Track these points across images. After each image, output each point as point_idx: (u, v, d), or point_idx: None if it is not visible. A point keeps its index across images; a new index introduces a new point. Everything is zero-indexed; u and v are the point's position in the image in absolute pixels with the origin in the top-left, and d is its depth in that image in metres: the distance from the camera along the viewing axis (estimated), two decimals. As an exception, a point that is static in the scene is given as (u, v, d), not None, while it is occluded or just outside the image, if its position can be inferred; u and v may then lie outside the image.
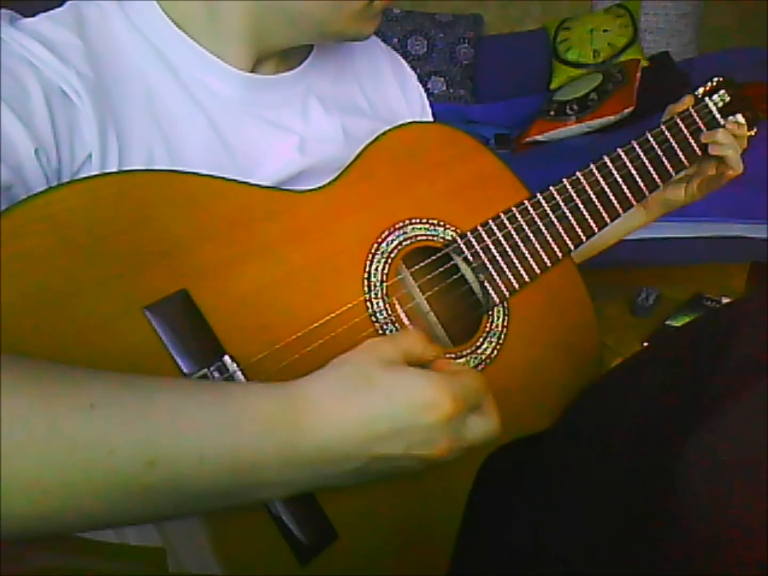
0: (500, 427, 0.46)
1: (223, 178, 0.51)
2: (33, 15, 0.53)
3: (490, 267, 0.61)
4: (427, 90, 0.78)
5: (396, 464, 0.42)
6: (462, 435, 0.43)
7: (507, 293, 0.61)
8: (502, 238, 0.62)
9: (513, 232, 0.62)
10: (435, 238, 0.60)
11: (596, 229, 0.67)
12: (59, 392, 0.34)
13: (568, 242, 0.65)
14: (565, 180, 0.66)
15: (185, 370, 0.44)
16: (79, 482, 0.33)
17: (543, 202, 0.64)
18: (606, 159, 0.68)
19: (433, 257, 0.59)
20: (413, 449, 0.41)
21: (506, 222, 0.62)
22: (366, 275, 0.55)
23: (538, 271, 0.63)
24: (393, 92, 0.73)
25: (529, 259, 0.63)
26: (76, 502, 0.34)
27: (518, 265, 0.62)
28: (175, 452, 0.35)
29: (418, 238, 0.59)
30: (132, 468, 0.34)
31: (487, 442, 0.45)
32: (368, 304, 0.54)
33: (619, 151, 0.69)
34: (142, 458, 0.35)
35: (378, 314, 0.54)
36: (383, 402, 0.40)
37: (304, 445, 0.39)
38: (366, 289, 0.54)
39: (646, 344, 1.38)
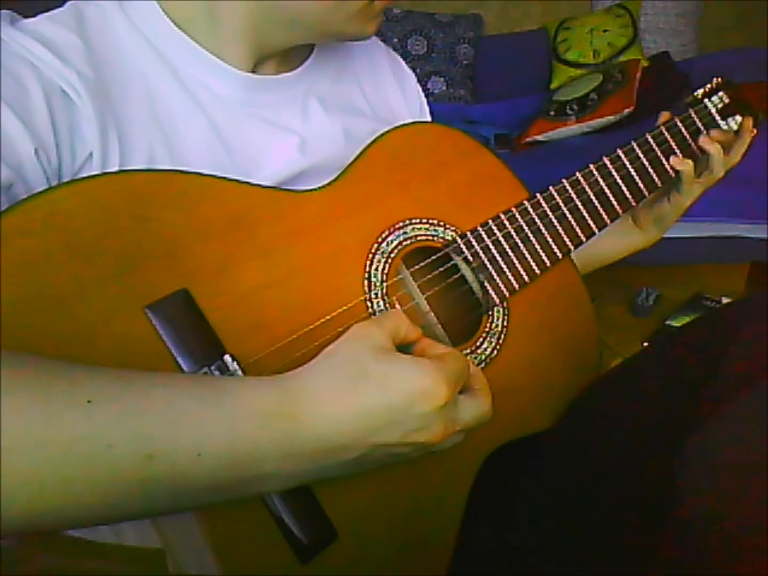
0: (492, 409, 0.47)
1: (223, 178, 0.51)
2: (33, 15, 0.54)
3: (489, 267, 0.61)
4: (427, 90, 0.78)
5: (393, 452, 0.43)
6: (455, 418, 0.44)
7: (507, 293, 0.62)
8: (501, 239, 0.62)
9: (513, 233, 0.62)
10: (435, 238, 0.60)
11: (596, 230, 0.67)
12: (57, 388, 0.35)
13: (568, 242, 0.65)
14: (564, 180, 0.66)
15: (186, 369, 0.44)
16: (78, 477, 0.34)
17: (543, 202, 0.64)
18: (605, 160, 0.68)
19: (433, 257, 0.59)
20: (410, 436, 0.42)
21: (506, 222, 0.62)
22: (366, 275, 0.55)
23: (537, 271, 0.63)
24: (392, 92, 0.73)
25: (529, 259, 0.63)
26: (75, 496, 0.34)
27: (518, 265, 0.62)
28: (172, 446, 0.36)
29: (418, 238, 0.59)
30: (130, 462, 0.35)
31: (480, 424, 0.46)
32: (368, 303, 0.54)
33: (619, 151, 0.69)
34: (140, 452, 0.35)
35: (378, 314, 0.54)
36: (379, 393, 0.41)
37: (302, 437, 0.39)
38: (366, 288, 0.54)
39: (646, 344, 1.39)
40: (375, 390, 0.41)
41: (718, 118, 0.76)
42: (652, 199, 0.77)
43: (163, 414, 0.36)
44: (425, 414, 0.41)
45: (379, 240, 0.57)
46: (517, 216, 0.63)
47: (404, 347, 0.46)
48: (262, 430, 0.38)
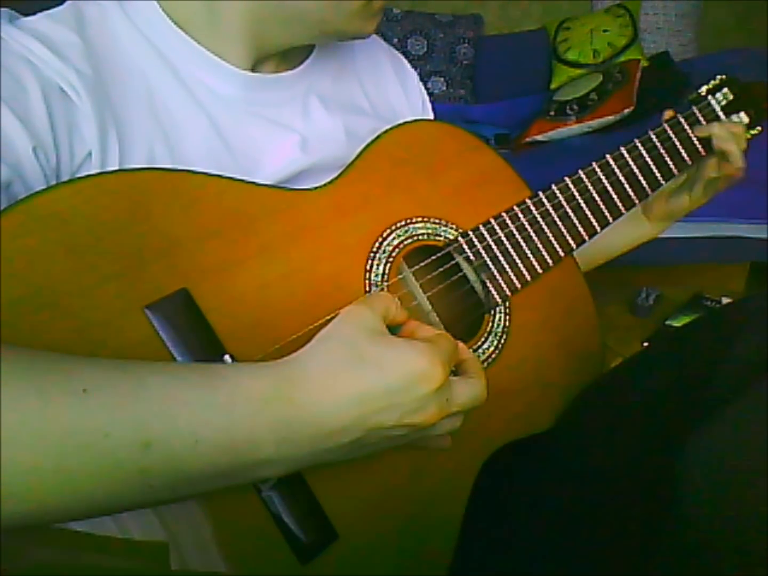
0: (486, 391, 0.47)
1: (224, 177, 0.51)
2: (33, 14, 0.53)
3: (491, 266, 0.61)
4: (427, 90, 0.78)
5: (390, 434, 0.43)
6: (450, 399, 0.44)
7: (508, 292, 0.61)
8: (503, 237, 0.62)
9: (515, 231, 0.62)
10: (436, 237, 0.60)
11: (598, 228, 0.67)
12: (52, 378, 0.34)
13: (570, 241, 0.65)
14: (567, 178, 0.66)
15: (186, 370, 0.44)
16: (76, 467, 0.34)
17: (545, 200, 0.64)
18: (608, 157, 0.68)
19: (435, 256, 0.59)
20: (407, 418, 0.42)
21: (508, 221, 0.62)
22: (367, 274, 0.55)
23: (539, 269, 0.63)
24: (394, 91, 0.73)
25: (531, 257, 0.63)
26: (74, 487, 0.34)
27: (520, 263, 0.62)
28: (169, 434, 0.36)
29: (420, 237, 0.59)
30: (127, 451, 0.35)
31: (475, 405, 0.46)
32: (369, 303, 0.54)
33: (622, 149, 0.69)
34: (137, 441, 0.35)
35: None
36: (375, 376, 0.41)
37: (300, 421, 0.39)
38: (367, 288, 0.54)
39: (646, 344, 1.38)
40: (372, 373, 0.41)
41: (722, 115, 0.75)
42: (668, 192, 0.77)
43: (160, 401, 0.36)
44: (422, 396, 0.42)
45: (381, 239, 0.56)
46: (519, 214, 0.63)
47: (392, 329, 0.46)
48: (259, 415, 0.38)
